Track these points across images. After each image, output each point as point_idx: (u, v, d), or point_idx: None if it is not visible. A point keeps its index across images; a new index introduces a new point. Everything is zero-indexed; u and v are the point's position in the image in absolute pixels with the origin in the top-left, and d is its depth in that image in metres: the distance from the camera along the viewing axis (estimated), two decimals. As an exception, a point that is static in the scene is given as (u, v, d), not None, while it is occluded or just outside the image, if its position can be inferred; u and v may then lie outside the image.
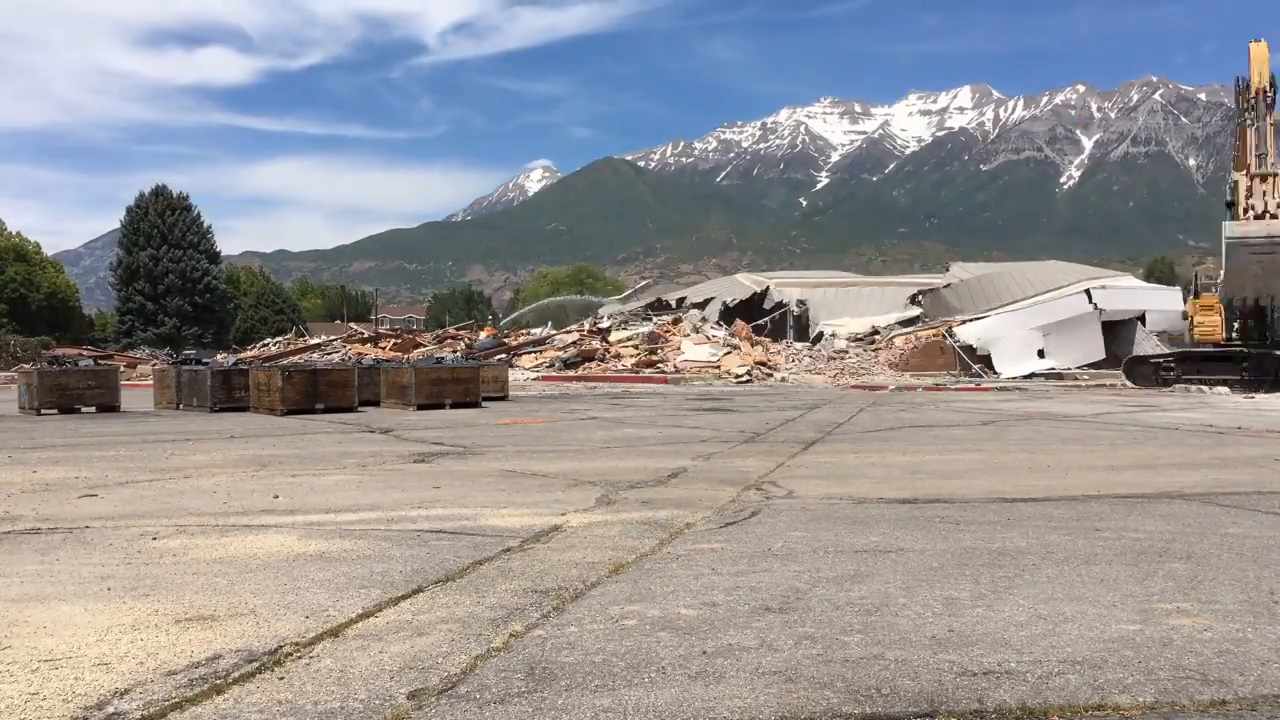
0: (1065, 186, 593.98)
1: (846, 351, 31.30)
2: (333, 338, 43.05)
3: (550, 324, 44.04)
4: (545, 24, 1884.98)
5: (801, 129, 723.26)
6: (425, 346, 36.75)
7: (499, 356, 30.92)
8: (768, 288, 41.71)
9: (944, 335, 30.21)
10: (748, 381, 25.85)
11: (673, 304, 42.31)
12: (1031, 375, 26.76)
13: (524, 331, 42.79)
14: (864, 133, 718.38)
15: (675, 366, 29.04)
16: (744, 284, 44.33)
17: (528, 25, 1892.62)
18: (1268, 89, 22.58)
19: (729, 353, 30.13)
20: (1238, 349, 22.24)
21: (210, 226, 71.40)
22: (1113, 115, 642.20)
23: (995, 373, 27.68)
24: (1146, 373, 22.91)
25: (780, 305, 40.02)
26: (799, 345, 34.15)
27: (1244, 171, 22.27)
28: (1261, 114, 22.42)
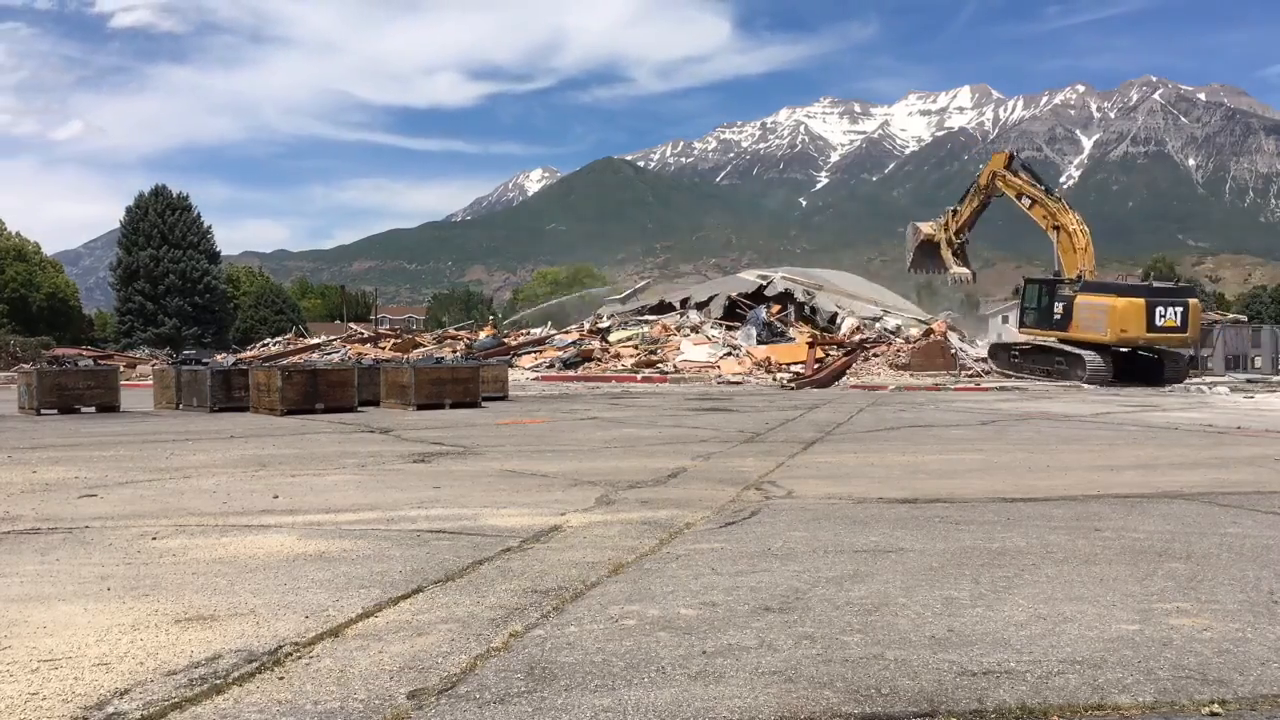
0: (1065, 186, 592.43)
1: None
2: (332, 338, 43.05)
3: (550, 324, 43.91)
4: (734, 64, 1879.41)
5: (801, 129, 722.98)
6: (425, 346, 36.72)
7: (499, 356, 30.91)
8: (772, 280, 41.17)
9: (945, 335, 30.26)
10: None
11: (675, 305, 42.04)
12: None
13: (524, 331, 42.69)
14: (864, 133, 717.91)
15: (675, 366, 29.02)
16: (747, 279, 44.00)
17: (717, 65, 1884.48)
18: None
19: (728, 354, 30.11)
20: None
21: (210, 226, 71.37)
22: (1112, 115, 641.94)
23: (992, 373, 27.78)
24: (1004, 359, 28.10)
25: (786, 295, 38.83)
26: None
27: None
28: None
